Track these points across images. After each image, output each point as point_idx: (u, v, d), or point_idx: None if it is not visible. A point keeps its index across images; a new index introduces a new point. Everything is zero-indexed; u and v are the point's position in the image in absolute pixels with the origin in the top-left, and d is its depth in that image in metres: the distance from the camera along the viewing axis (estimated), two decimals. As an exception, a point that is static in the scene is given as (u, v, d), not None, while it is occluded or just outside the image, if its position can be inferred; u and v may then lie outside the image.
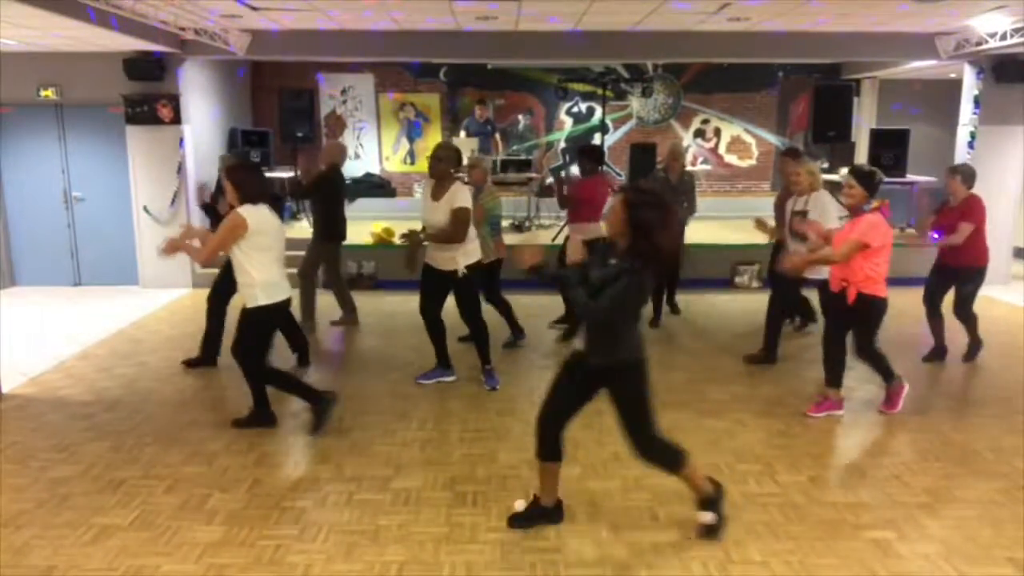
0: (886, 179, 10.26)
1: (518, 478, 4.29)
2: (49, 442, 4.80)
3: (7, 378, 5.87)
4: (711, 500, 3.68)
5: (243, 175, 4.70)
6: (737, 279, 9.25)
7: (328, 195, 7.11)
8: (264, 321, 4.75)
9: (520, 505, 3.85)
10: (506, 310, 6.75)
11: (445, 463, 4.48)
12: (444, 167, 5.45)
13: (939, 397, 5.67)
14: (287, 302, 4.85)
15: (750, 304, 8.34)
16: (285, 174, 10.88)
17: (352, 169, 11.81)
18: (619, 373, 3.48)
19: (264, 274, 4.63)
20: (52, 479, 4.29)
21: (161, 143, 9.00)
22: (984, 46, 8.32)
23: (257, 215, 4.58)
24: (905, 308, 8.06)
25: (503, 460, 4.50)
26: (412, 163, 12.32)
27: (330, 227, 7.11)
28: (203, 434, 4.91)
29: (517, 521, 3.77)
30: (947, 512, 3.94)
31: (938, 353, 6.46)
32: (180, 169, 9.08)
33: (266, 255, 4.65)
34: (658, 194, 3.42)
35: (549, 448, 3.64)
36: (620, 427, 3.55)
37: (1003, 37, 7.91)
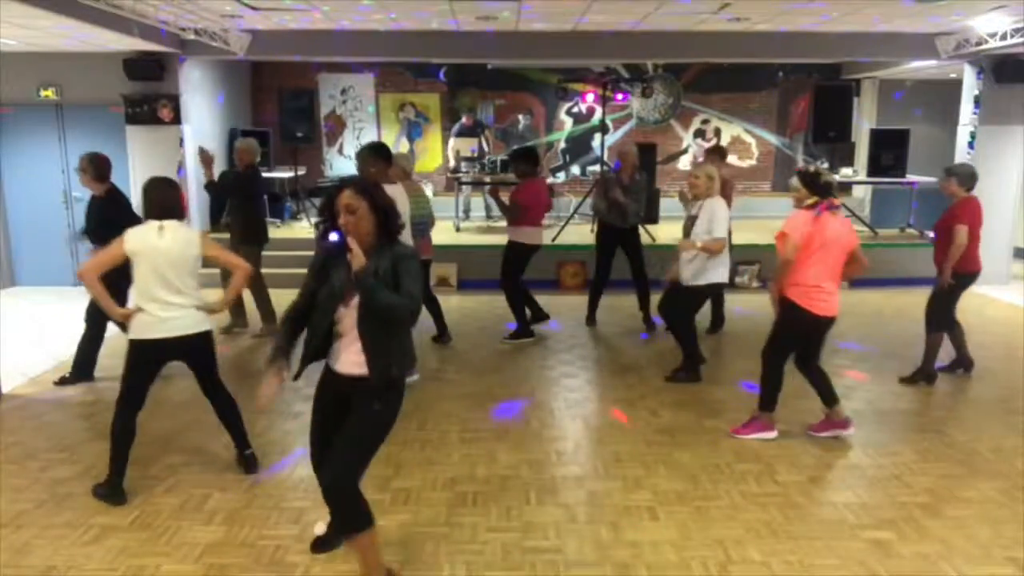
0: (885, 179, 10.34)
1: (518, 478, 4.29)
2: (49, 442, 4.80)
3: (7, 378, 5.87)
4: None
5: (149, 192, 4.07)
6: (737, 279, 9.24)
7: (248, 196, 7.00)
8: (132, 357, 4.05)
9: (320, 529, 3.58)
10: (435, 309, 6.74)
11: (445, 463, 4.48)
12: (373, 170, 5.25)
13: (939, 397, 5.67)
14: (158, 343, 4.00)
15: (750, 304, 8.34)
16: (285, 174, 10.89)
17: (353, 169, 11.80)
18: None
19: (139, 303, 3.99)
20: (52, 479, 4.29)
21: (161, 143, 9.00)
22: (984, 46, 8.32)
23: (137, 236, 3.94)
24: (904, 309, 8.07)
25: (503, 460, 4.50)
26: (414, 161, 12.31)
27: (250, 229, 6.98)
28: (203, 434, 4.90)
29: (320, 546, 3.54)
30: (947, 512, 3.93)
31: (961, 364, 6.07)
32: (180, 169, 9.08)
33: (142, 282, 3.97)
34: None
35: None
36: (338, 449, 3.04)
37: (1003, 37, 7.91)
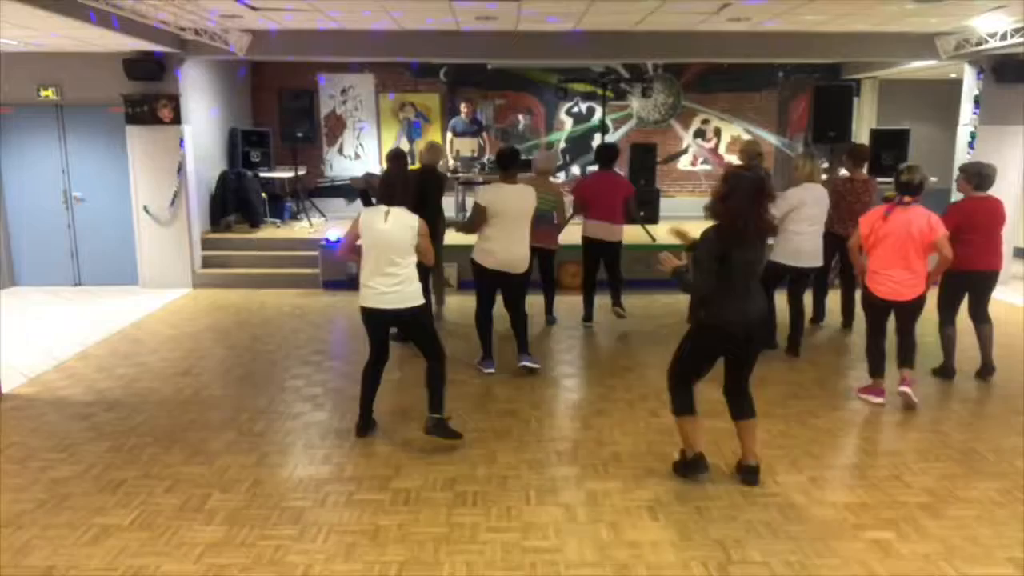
0: (884, 179, 10.30)
1: (518, 478, 4.29)
2: (49, 442, 4.80)
3: (7, 378, 5.87)
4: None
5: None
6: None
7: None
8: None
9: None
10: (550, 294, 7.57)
11: (445, 463, 4.48)
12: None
13: (939, 397, 5.67)
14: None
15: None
16: (285, 174, 10.89)
17: (352, 169, 11.81)
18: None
19: None
20: (52, 479, 4.29)
21: (161, 143, 9.00)
22: (984, 46, 8.32)
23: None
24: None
25: (503, 460, 4.50)
26: (412, 163, 12.30)
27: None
28: (203, 434, 4.91)
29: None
30: (947, 512, 3.93)
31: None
32: (180, 169, 9.09)
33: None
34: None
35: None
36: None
37: (1003, 37, 7.91)
